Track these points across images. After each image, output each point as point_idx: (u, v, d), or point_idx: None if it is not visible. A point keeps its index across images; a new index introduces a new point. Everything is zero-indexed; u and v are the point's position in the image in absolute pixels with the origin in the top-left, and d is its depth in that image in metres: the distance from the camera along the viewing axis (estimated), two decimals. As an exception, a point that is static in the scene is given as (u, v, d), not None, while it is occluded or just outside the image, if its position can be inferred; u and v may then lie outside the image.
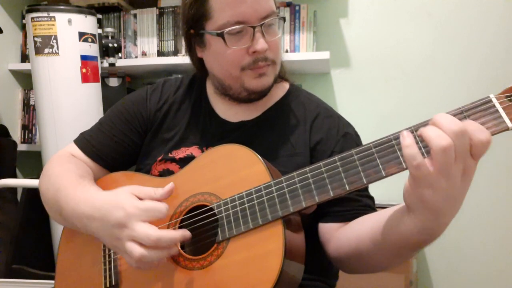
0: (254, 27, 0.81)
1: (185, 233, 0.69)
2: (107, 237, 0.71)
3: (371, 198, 0.87)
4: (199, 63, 0.93)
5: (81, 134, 0.98)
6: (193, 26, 0.87)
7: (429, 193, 0.55)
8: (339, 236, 0.79)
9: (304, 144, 0.87)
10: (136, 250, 0.66)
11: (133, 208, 0.68)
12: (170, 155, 0.90)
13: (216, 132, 0.91)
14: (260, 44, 0.81)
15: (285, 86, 0.97)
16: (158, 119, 0.95)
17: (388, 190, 1.53)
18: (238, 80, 0.85)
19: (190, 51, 0.93)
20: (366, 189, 0.86)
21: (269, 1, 0.83)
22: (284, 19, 0.87)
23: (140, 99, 0.97)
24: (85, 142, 0.95)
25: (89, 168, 0.92)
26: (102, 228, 0.71)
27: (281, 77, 0.95)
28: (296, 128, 0.89)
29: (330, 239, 0.81)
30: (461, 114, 0.57)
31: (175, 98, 0.97)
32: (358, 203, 0.82)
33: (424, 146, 0.57)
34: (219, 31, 0.81)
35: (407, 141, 0.55)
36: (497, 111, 0.56)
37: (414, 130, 0.58)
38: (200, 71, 0.96)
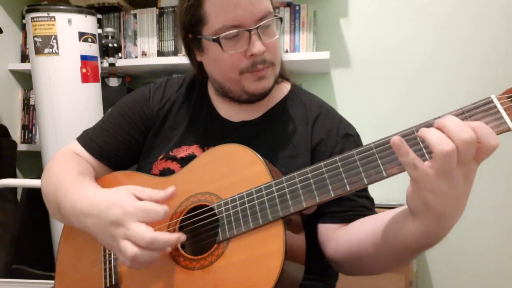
0: (250, 30, 0.79)
1: (180, 236, 0.69)
2: (102, 234, 0.71)
3: (370, 199, 0.86)
4: (199, 66, 0.93)
5: (84, 132, 0.98)
6: (190, 31, 0.86)
7: (432, 197, 0.55)
8: (338, 237, 0.79)
9: (305, 145, 0.87)
10: (130, 249, 0.66)
11: (131, 208, 0.68)
12: (171, 153, 0.90)
13: (217, 132, 0.91)
14: (257, 47, 0.80)
15: (287, 86, 0.97)
16: (160, 118, 0.95)
17: (388, 190, 1.53)
18: (238, 84, 0.85)
19: (190, 55, 0.92)
20: (365, 189, 0.86)
21: (264, 2, 0.81)
22: (281, 19, 0.86)
23: (143, 97, 0.97)
24: (88, 140, 0.95)
25: (92, 166, 0.92)
26: (98, 225, 0.71)
27: (282, 76, 0.94)
28: (297, 129, 0.89)
29: (329, 240, 0.81)
30: (463, 114, 0.57)
31: (177, 97, 0.96)
32: (354, 203, 0.82)
33: (425, 146, 0.56)
34: (214, 37, 0.80)
35: (402, 150, 0.54)
36: (498, 111, 0.56)
37: (415, 130, 0.58)
38: (200, 73, 0.95)
